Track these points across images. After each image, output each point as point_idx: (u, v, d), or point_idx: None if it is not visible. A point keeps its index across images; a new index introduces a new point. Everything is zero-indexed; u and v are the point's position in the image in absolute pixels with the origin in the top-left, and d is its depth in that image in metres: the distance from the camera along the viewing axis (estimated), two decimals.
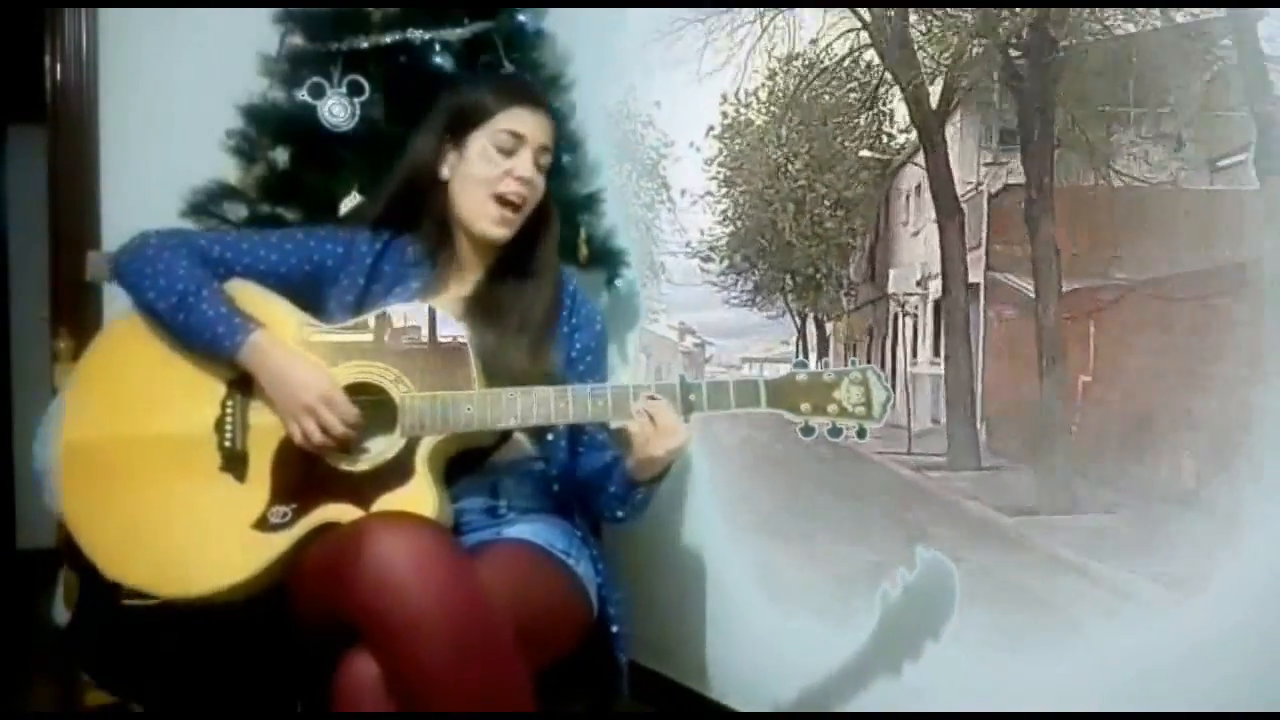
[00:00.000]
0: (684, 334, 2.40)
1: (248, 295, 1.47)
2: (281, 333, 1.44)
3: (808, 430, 1.36)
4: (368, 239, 1.55)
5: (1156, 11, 1.46)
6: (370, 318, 1.44)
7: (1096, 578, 1.51)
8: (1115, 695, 1.48)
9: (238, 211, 2.23)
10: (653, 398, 1.35)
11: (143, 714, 2.03)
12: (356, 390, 1.41)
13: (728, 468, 2.18)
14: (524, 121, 1.51)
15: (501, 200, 1.50)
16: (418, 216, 1.55)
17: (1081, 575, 1.53)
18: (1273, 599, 1.31)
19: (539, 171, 1.52)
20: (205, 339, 1.41)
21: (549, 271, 1.56)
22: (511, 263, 1.55)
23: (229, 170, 2.26)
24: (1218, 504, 1.37)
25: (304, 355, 1.42)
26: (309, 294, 1.51)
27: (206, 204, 2.20)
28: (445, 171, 1.53)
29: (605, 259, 2.30)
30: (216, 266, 1.47)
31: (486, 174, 1.49)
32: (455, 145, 1.52)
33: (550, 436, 1.52)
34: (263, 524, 1.38)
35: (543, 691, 1.28)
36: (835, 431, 1.36)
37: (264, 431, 1.42)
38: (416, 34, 2.15)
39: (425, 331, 1.41)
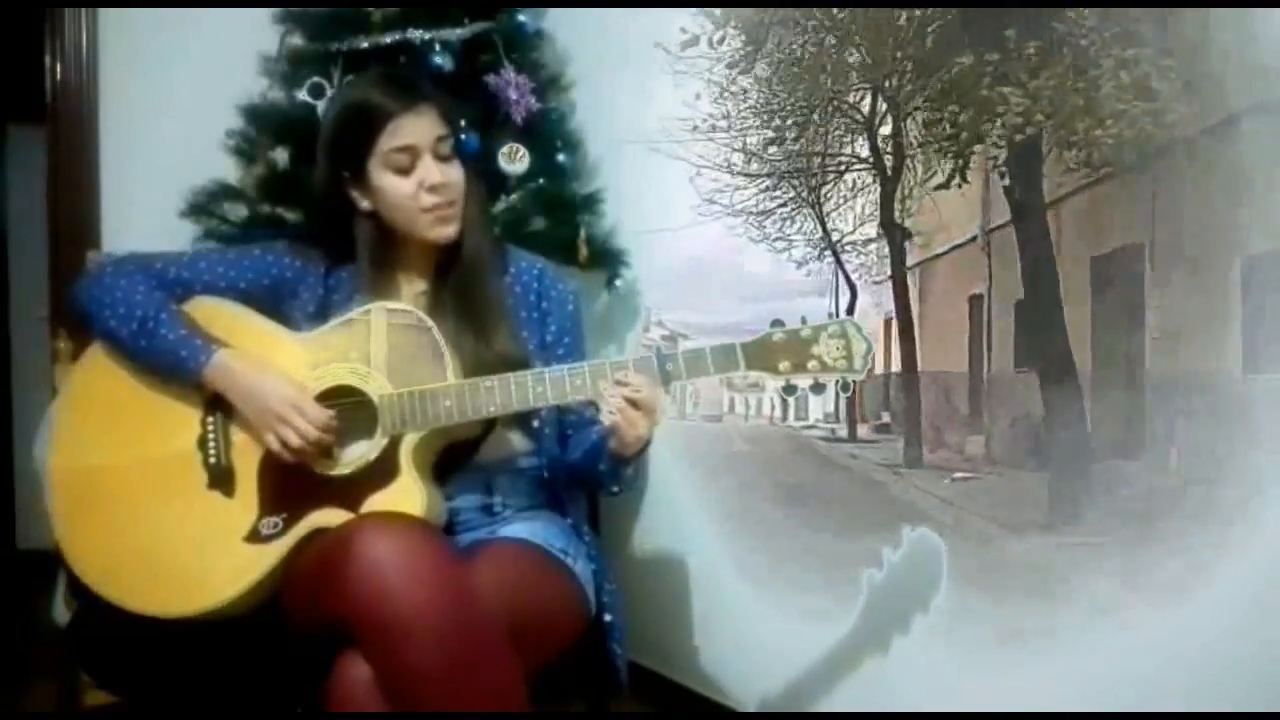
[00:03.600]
0: (648, 325, 2.30)
1: (214, 310, 1.47)
2: (252, 343, 1.44)
3: (790, 389, 1.34)
4: (322, 250, 1.54)
5: None
6: (341, 321, 1.43)
7: (1091, 578, 1.51)
8: (1110, 695, 1.48)
9: (238, 211, 2.23)
10: (621, 382, 1.33)
11: (143, 714, 2.03)
12: (334, 394, 1.41)
13: (721, 468, 2.19)
14: (405, 131, 1.43)
15: (427, 209, 1.46)
16: (353, 246, 1.51)
17: (1075, 575, 1.53)
18: (1267, 600, 1.31)
19: (446, 163, 1.47)
20: (168, 363, 1.41)
21: (479, 250, 1.52)
22: (454, 255, 1.52)
23: (229, 170, 2.26)
24: (1211, 504, 1.37)
25: (269, 367, 1.42)
26: (271, 308, 1.50)
27: (206, 204, 2.21)
28: (364, 203, 1.48)
29: (605, 259, 2.29)
30: (174, 288, 1.47)
31: (400, 196, 1.45)
32: (358, 181, 1.47)
33: (536, 423, 1.52)
34: (254, 536, 1.38)
35: (541, 686, 1.28)
36: (818, 388, 1.34)
37: (247, 445, 1.42)
38: (416, 34, 2.15)
39: (396, 329, 1.41)
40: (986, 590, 1.66)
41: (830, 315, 1.35)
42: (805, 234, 1.94)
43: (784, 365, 1.33)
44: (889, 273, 1.84)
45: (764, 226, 2.01)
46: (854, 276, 1.90)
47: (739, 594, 2.12)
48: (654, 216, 2.28)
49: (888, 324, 1.87)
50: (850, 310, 1.89)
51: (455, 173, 1.48)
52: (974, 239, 1.70)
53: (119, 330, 1.43)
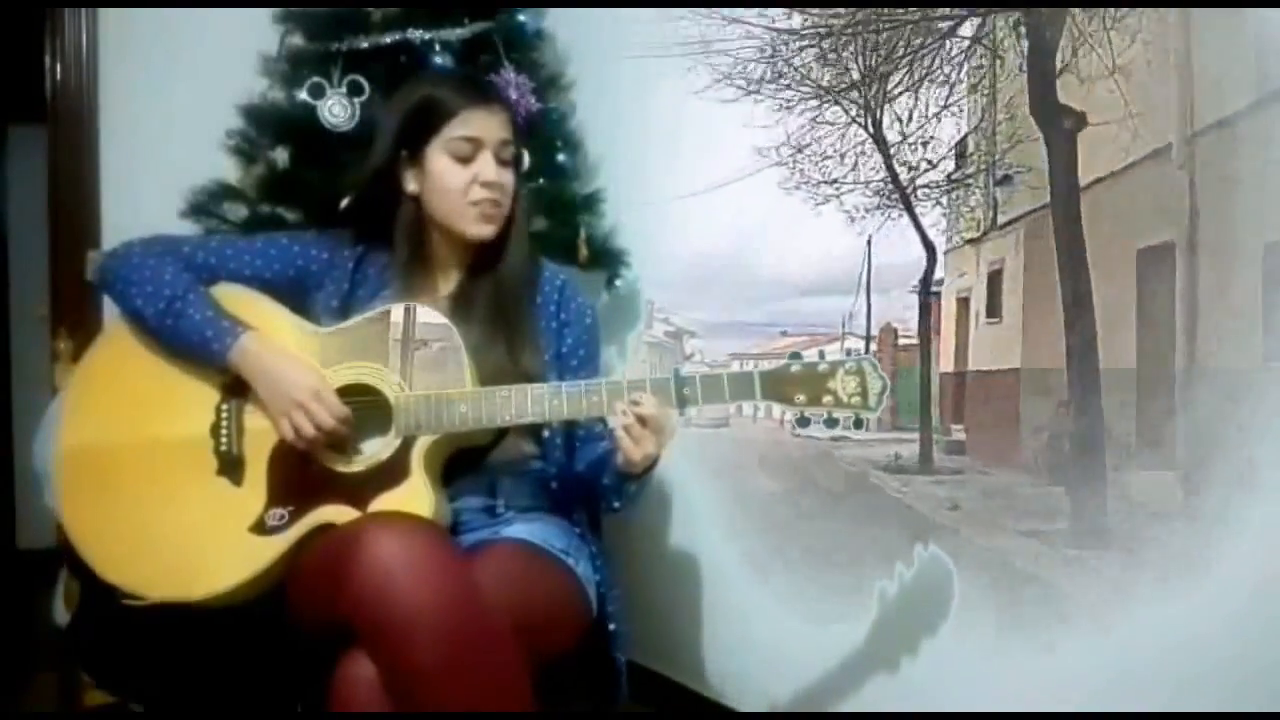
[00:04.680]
0: (650, 321, 2.26)
1: (237, 298, 1.47)
2: (273, 333, 1.44)
3: (803, 421, 1.36)
4: (350, 243, 1.55)
5: None
6: (363, 319, 1.44)
7: (1091, 574, 1.51)
8: (1107, 691, 1.48)
9: (238, 211, 2.23)
10: (635, 402, 1.34)
11: (143, 714, 2.03)
12: (351, 391, 1.41)
13: (726, 468, 2.18)
14: (476, 124, 1.47)
15: (475, 204, 1.48)
16: (389, 230, 1.53)
17: (1077, 572, 1.53)
18: (1266, 594, 1.31)
19: (504, 167, 1.50)
20: (194, 343, 1.42)
21: (521, 264, 1.54)
22: (488, 260, 1.53)
23: (229, 170, 2.26)
24: (1210, 499, 1.37)
25: (293, 355, 1.42)
26: (294, 299, 1.51)
27: (206, 204, 2.20)
28: (411, 186, 1.50)
29: (605, 259, 2.29)
30: (201, 272, 1.48)
31: (452, 185, 1.47)
32: (414, 160, 1.49)
33: (547, 433, 1.52)
34: (260, 527, 1.39)
35: (543, 692, 1.28)
36: (831, 422, 1.35)
37: (259, 435, 1.42)
38: (416, 34, 2.15)
39: (418, 331, 1.41)
40: (988, 591, 1.66)
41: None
42: (862, 174, 1.44)
43: (800, 397, 1.35)
44: (978, 231, 1.36)
45: (800, 165, 1.58)
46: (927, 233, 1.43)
47: (741, 594, 2.12)
48: (656, 179, 2.22)
49: (963, 302, 1.48)
50: (926, 280, 1.52)
51: (509, 178, 1.51)
52: (1158, 152, 1.07)
53: (146, 309, 1.43)
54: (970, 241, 1.40)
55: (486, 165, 1.47)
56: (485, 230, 1.50)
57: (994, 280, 1.38)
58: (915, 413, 1.63)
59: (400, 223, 1.52)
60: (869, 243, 1.56)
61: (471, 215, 1.48)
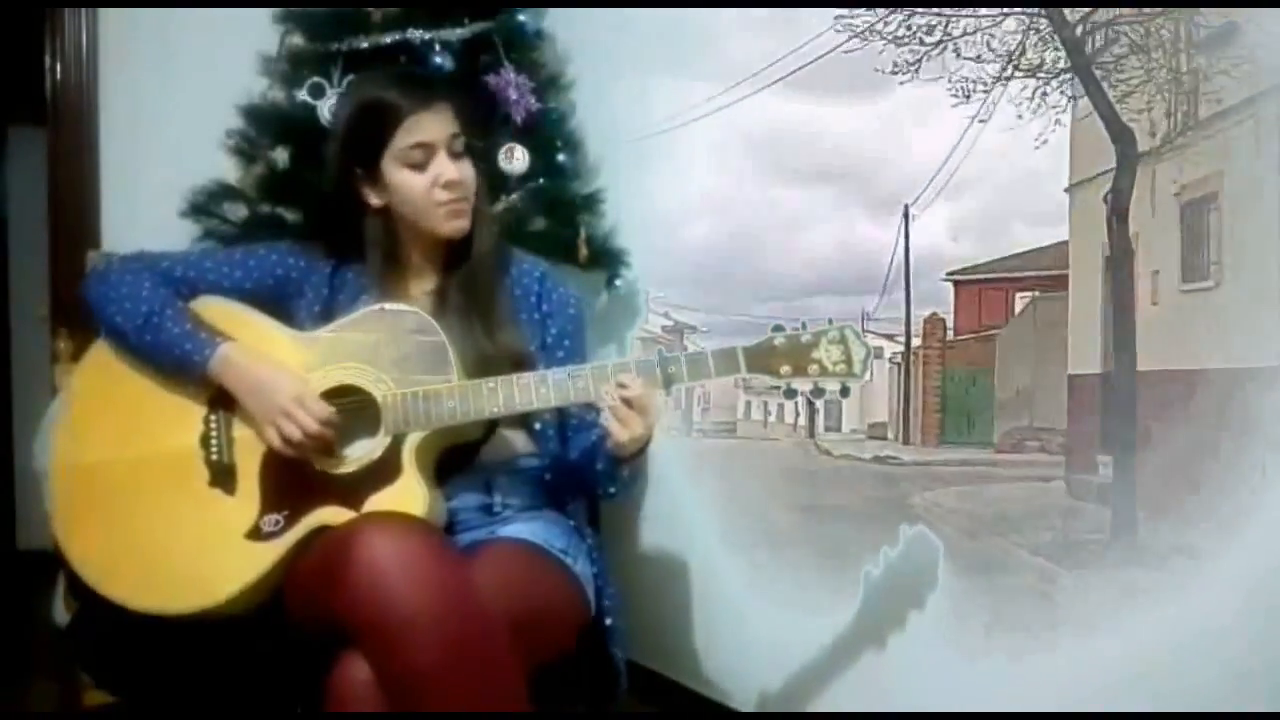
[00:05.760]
0: (650, 313, 2.25)
1: (219, 310, 1.47)
2: (257, 342, 1.44)
3: (790, 393, 1.36)
4: (324, 255, 1.55)
5: None
6: (346, 321, 1.44)
7: (1091, 574, 1.51)
8: (1108, 691, 1.48)
9: (238, 211, 2.24)
10: (621, 384, 1.34)
11: (143, 714, 2.03)
12: (339, 393, 1.41)
13: (723, 467, 2.18)
14: (422, 129, 1.45)
15: (440, 204, 1.47)
16: (358, 242, 1.52)
17: (1074, 572, 1.53)
18: (1266, 595, 1.31)
19: (460, 159, 1.48)
20: (174, 357, 1.42)
21: (489, 251, 1.54)
22: (461, 255, 1.53)
23: (229, 170, 2.26)
24: (1210, 501, 1.37)
25: (274, 362, 1.42)
26: (276, 308, 1.51)
27: (206, 204, 2.21)
28: (375, 200, 1.49)
29: (605, 259, 2.29)
30: (180, 287, 1.48)
31: (416, 191, 1.46)
32: (370, 178, 1.48)
33: (539, 426, 1.52)
34: (255, 534, 1.38)
35: (542, 691, 1.28)
36: (818, 392, 1.35)
37: (249, 443, 1.42)
38: (416, 34, 2.15)
39: (401, 330, 1.41)
40: (985, 587, 1.66)
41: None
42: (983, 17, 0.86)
43: (785, 369, 1.34)
44: (1154, 139, 0.80)
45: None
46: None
47: (740, 593, 2.12)
48: (656, 179, 2.20)
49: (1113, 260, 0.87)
50: (1118, 196, 0.94)
51: (468, 170, 1.50)
52: None
53: (124, 325, 1.43)
54: (1140, 156, 0.84)
55: (444, 166, 1.46)
56: (456, 225, 1.49)
57: (1195, 216, 0.84)
58: (981, 429, 1.44)
59: (369, 235, 1.51)
60: (906, 214, 1.22)
61: (440, 215, 1.47)
